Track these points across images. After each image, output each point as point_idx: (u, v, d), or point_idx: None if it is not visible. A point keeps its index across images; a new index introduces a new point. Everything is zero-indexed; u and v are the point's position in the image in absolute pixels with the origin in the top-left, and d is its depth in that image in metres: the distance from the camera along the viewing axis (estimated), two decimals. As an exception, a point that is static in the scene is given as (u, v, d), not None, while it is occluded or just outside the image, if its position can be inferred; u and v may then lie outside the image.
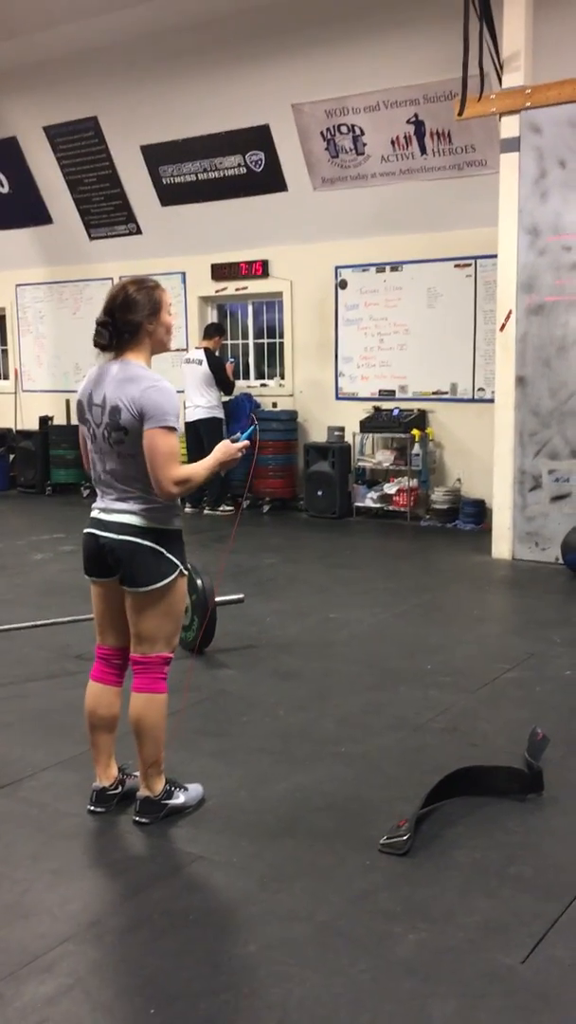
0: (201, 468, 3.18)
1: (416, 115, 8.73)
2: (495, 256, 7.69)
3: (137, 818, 3.28)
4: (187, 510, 9.68)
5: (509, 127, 7.26)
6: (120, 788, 3.40)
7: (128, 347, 3.17)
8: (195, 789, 3.42)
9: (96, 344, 3.16)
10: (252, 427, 3.57)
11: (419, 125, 8.78)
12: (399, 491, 9.51)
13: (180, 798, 3.34)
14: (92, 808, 3.35)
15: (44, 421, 11.88)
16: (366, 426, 9.69)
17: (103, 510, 3.23)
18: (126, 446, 3.10)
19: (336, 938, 2.61)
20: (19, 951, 2.56)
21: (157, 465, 3.04)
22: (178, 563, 3.20)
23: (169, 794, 3.32)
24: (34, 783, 3.61)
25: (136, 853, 3.10)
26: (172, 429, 3.07)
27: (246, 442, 3.29)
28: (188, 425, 9.86)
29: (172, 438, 3.08)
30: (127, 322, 3.13)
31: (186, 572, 3.26)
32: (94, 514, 3.27)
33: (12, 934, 2.64)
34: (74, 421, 11.78)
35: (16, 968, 2.49)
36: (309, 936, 2.62)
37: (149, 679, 3.26)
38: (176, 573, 3.19)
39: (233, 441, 3.27)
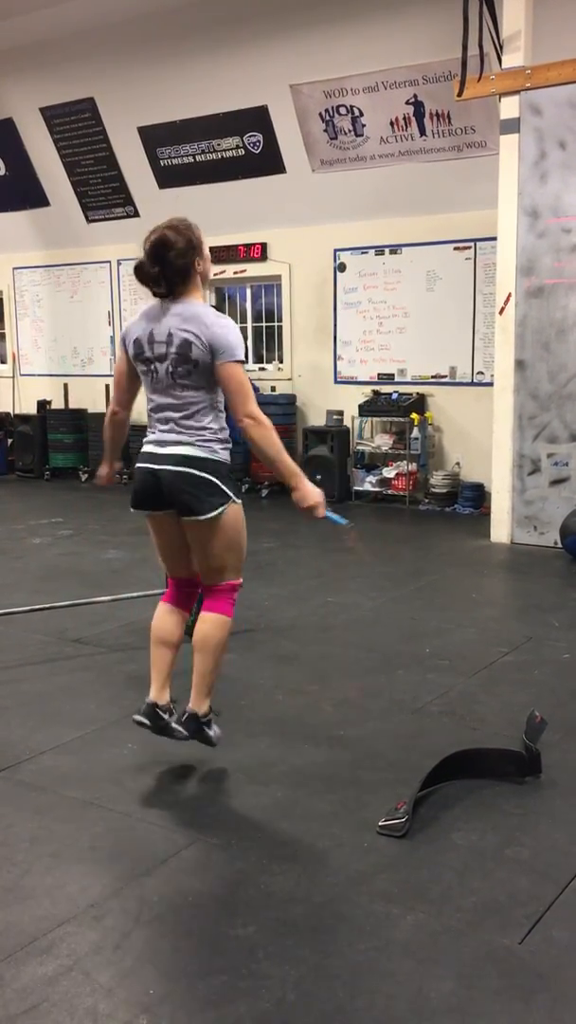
0: (283, 458, 3.26)
1: (415, 96, 8.66)
2: (495, 239, 7.65)
3: (177, 727, 3.40)
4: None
5: (509, 108, 7.21)
6: (168, 715, 3.45)
7: (182, 288, 3.26)
8: (218, 732, 3.53)
9: (155, 295, 3.27)
10: (347, 523, 3.62)
11: (418, 106, 8.71)
12: (398, 475, 9.50)
13: (213, 731, 3.48)
14: (138, 718, 3.43)
15: (42, 405, 11.84)
16: (365, 410, 9.67)
17: (157, 443, 3.31)
18: (192, 378, 3.21)
19: (334, 920, 2.62)
20: (18, 933, 2.57)
21: (236, 395, 3.17)
22: (232, 493, 3.30)
23: (209, 722, 3.45)
24: (33, 766, 3.61)
25: (135, 836, 3.11)
26: (243, 362, 3.22)
27: (323, 514, 3.35)
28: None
29: (245, 375, 3.22)
30: (177, 268, 3.23)
31: (238, 502, 3.34)
32: (147, 448, 3.34)
33: (11, 916, 2.65)
34: (73, 405, 11.81)
35: (15, 950, 2.50)
36: (307, 918, 2.63)
37: (218, 602, 3.41)
38: (230, 502, 3.29)
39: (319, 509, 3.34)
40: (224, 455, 3.33)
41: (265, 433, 3.22)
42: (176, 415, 3.27)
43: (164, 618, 3.51)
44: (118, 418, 3.57)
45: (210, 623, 3.40)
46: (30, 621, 5.39)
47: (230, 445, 3.38)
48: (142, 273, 3.27)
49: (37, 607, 5.44)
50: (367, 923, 2.60)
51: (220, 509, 3.26)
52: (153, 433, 3.34)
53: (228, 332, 3.20)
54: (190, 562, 3.45)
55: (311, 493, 3.30)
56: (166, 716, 3.45)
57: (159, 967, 2.43)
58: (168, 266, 3.22)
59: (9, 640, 5.17)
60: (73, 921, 2.62)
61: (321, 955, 2.46)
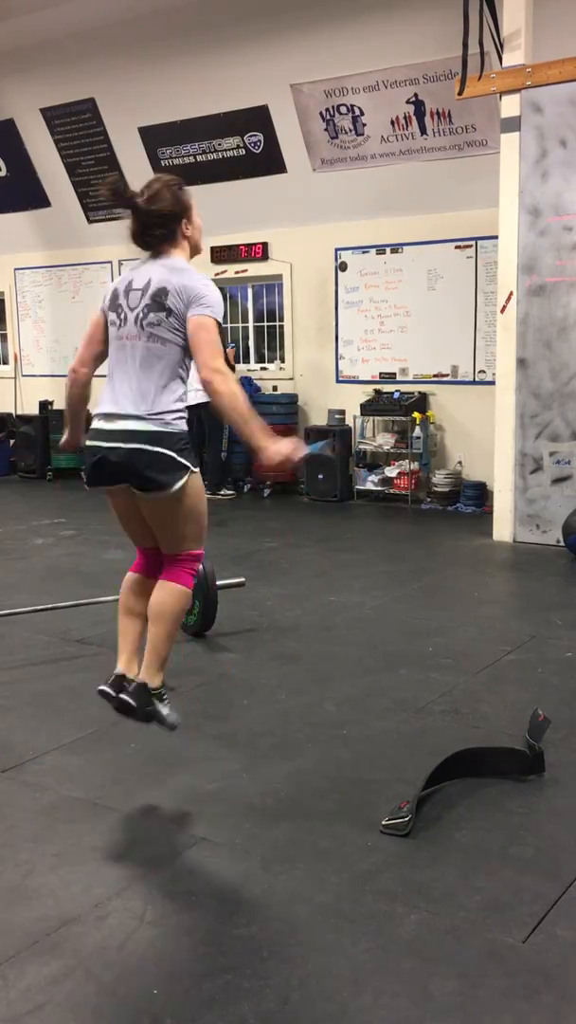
0: (251, 417, 3.09)
1: (416, 95, 8.66)
2: (496, 237, 7.65)
3: (124, 696, 3.22)
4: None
5: (510, 106, 7.20)
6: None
7: (167, 245, 3.20)
8: (175, 715, 3.35)
9: (143, 245, 3.21)
10: (326, 441, 3.52)
11: (419, 105, 8.71)
12: (400, 474, 9.50)
13: (165, 709, 3.30)
14: (103, 688, 3.28)
15: (44, 406, 11.85)
16: (367, 409, 9.67)
17: (106, 416, 3.17)
18: (161, 328, 3.10)
19: (337, 919, 2.62)
20: (22, 933, 2.57)
21: (204, 346, 3.04)
22: (188, 464, 3.16)
23: (160, 696, 3.28)
24: (36, 766, 3.62)
25: (138, 835, 3.11)
26: (219, 322, 3.10)
27: (303, 453, 3.19)
28: (189, 409, 9.83)
29: (216, 333, 3.08)
30: (163, 224, 3.17)
31: (195, 471, 3.20)
32: (97, 424, 3.20)
33: (15, 916, 2.65)
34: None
35: (19, 950, 2.50)
36: (311, 917, 2.63)
37: (177, 572, 3.27)
38: (187, 474, 3.15)
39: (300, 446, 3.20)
40: (179, 425, 3.16)
41: (233, 388, 3.06)
42: (132, 378, 3.13)
43: (132, 587, 3.39)
44: (79, 376, 3.40)
45: (167, 592, 3.24)
46: (33, 621, 5.39)
47: (185, 414, 3.22)
48: (132, 226, 3.21)
49: (40, 607, 5.44)
50: (371, 922, 2.60)
51: (178, 484, 3.12)
52: (105, 400, 3.20)
53: (208, 288, 3.11)
54: (153, 532, 3.32)
55: (282, 446, 3.09)
56: (123, 694, 3.28)
57: (163, 967, 2.43)
58: (154, 221, 3.17)
59: (12, 640, 5.17)
60: (77, 921, 2.62)
61: (325, 954, 2.46)
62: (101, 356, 3.37)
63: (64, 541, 7.87)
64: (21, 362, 12.78)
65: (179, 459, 3.13)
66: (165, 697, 3.35)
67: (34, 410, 12.00)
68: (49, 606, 5.47)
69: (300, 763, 3.61)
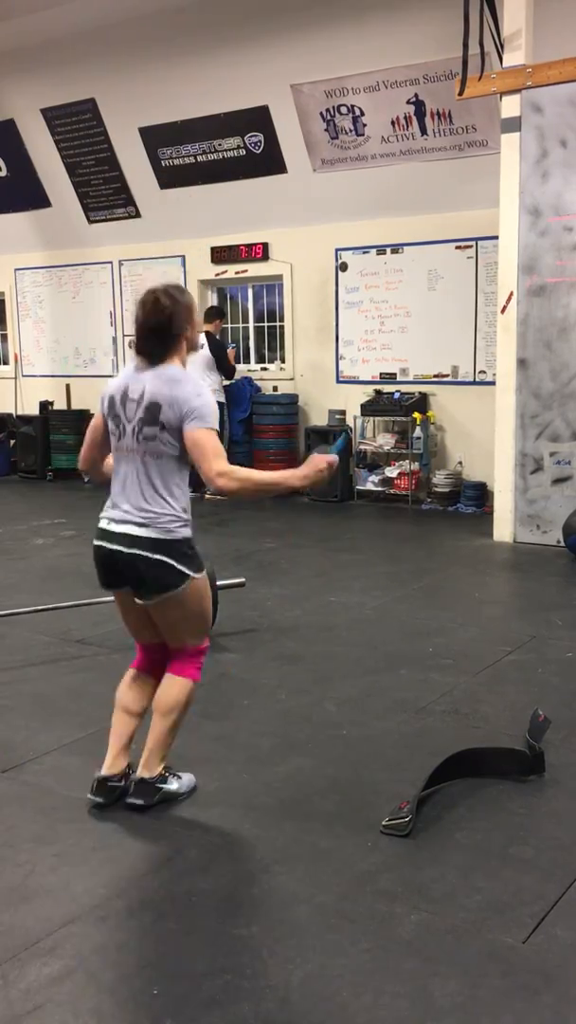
0: (270, 476, 3.19)
1: (416, 95, 8.66)
2: (496, 237, 7.64)
3: (132, 799, 3.27)
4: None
5: (510, 107, 7.20)
6: (123, 782, 3.34)
7: (165, 354, 3.18)
8: (188, 778, 3.41)
9: (141, 356, 3.18)
10: (343, 435, 3.50)
11: (419, 105, 8.71)
12: (400, 474, 9.50)
13: (174, 784, 3.34)
14: (91, 797, 3.31)
15: (44, 406, 11.85)
16: (367, 409, 9.66)
17: (111, 519, 3.21)
18: (156, 443, 3.10)
19: (338, 919, 2.62)
20: (22, 933, 2.57)
21: (202, 460, 3.04)
22: (188, 572, 3.16)
23: (164, 779, 3.32)
24: (37, 767, 3.62)
25: (138, 836, 3.11)
26: (215, 430, 3.10)
27: (334, 457, 3.20)
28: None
29: (215, 437, 3.09)
30: (166, 335, 3.15)
31: (198, 576, 3.20)
32: (102, 524, 3.23)
33: (15, 917, 2.66)
34: (75, 406, 11.81)
35: (19, 950, 2.50)
36: (311, 917, 2.63)
37: (183, 665, 3.30)
38: (186, 582, 3.15)
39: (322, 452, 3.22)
40: (182, 532, 3.17)
41: (242, 486, 3.08)
42: (134, 486, 3.16)
43: (130, 685, 3.39)
44: (90, 474, 3.49)
45: (174, 685, 3.27)
46: (33, 622, 5.39)
47: (189, 520, 3.23)
48: (136, 332, 3.20)
49: (40, 608, 5.45)
50: (371, 922, 2.60)
51: (174, 591, 3.13)
52: (109, 506, 3.24)
53: (200, 398, 3.10)
54: (156, 629, 3.32)
55: (312, 470, 3.12)
56: (121, 782, 3.33)
57: (163, 967, 2.43)
58: (157, 333, 3.14)
59: (13, 641, 5.17)
60: (77, 921, 2.63)
61: (325, 954, 2.46)
62: (104, 456, 3.39)
63: (64, 541, 7.87)
64: (21, 362, 12.79)
65: (179, 567, 3.14)
66: (170, 775, 3.35)
67: (34, 410, 12.00)
68: (49, 606, 5.47)
69: (300, 763, 3.61)
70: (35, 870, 2.90)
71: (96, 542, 3.24)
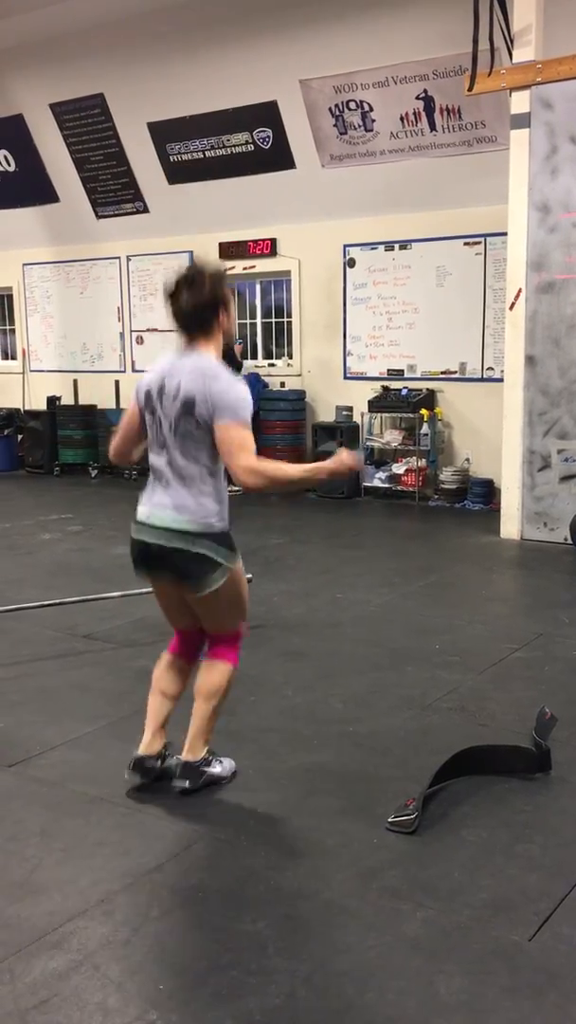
0: (298, 470, 3.20)
1: (425, 91, 8.63)
2: (505, 234, 7.63)
3: (178, 782, 3.31)
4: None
5: (519, 103, 7.18)
6: (160, 763, 3.39)
7: (200, 337, 3.17)
8: (229, 763, 3.47)
9: (182, 337, 3.17)
10: (365, 451, 3.54)
11: (428, 101, 8.68)
12: (407, 471, 9.48)
13: (217, 768, 3.40)
14: (129, 776, 3.35)
15: (52, 401, 11.86)
16: (374, 406, 9.65)
17: (149, 513, 3.21)
18: (194, 438, 3.11)
19: (343, 915, 2.63)
20: (29, 928, 2.58)
21: (230, 455, 3.05)
22: (227, 564, 3.18)
23: (208, 762, 3.37)
24: (43, 761, 3.63)
25: (145, 831, 3.11)
26: (246, 424, 3.09)
27: (362, 460, 3.23)
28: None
29: (245, 431, 3.07)
30: (199, 314, 3.13)
31: (232, 566, 3.22)
32: (140, 517, 3.24)
33: (22, 911, 2.66)
34: (82, 401, 11.82)
35: (26, 944, 2.51)
36: (316, 913, 2.64)
37: (222, 650, 3.35)
38: (228, 574, 3.18)
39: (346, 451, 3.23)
40: (220, 525, 3.18)
41: (268, 475, 3.08)
42: (172, 479, 3.17)
43: (167, 668, 3.44)
44: (120, 461, 3.47)
45: (214, 670, 3.33)
46: (40, 617, 5.40)
47: (225, 512, 3.24)
48: (171, 308, 3.18)
49: (47, 603, 5.45)
50: (376, 919, 2.61)
51: (216, 584, 3.16)
52: (148, 497, 3.25)
53: (233, 392, 3.08)
54: (192, 616, 3.36)
55: (341, 460, 3.17)
56: (158, 762, 3.38)
57: (169, 962, 2.44)
58: (189, 307, 3.13)
59: (20, 635, 5.18)
60: (83, 916, 2.63)
61: (331, 951, 2.47)
62: (138, 447, 3.38)
63: (71, 536, 7.88)
64: (29, 357, 12.80)
65: (217, 559, 3.16)
66: (213, 758, 3.40)
67: (42, 405, 12.01)
68: (56, 601, 5.48)
69: (306, 759, 3.61)
70: (42, 864, 2.91)
71: (134, 536, 3.25)
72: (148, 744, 3.39)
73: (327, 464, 3.19)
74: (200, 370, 3.11)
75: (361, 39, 8.59)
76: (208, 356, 3.16)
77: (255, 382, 10.41)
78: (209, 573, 3.15)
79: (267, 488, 3.13)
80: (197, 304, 3.13)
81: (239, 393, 3.10)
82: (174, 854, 2.96)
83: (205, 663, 3.37)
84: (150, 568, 3.27)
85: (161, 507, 3.19)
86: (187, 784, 3.30)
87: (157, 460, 3.22)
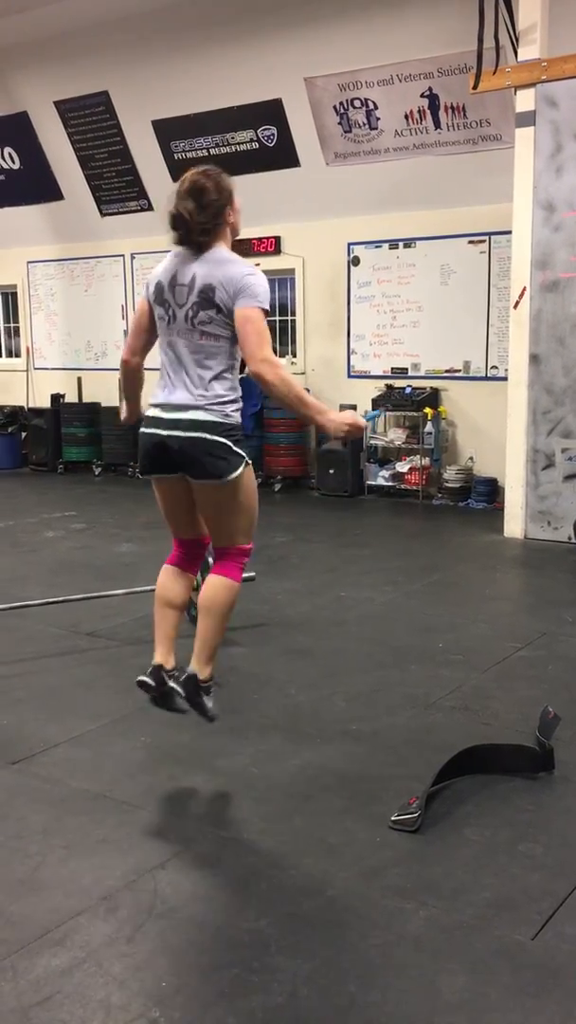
0: (311, 401, 3.19)
1: (430, 89, 8.62)
2: (509, 232, 7.62)
3: (175, 686, 3.30)
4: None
5: (525, 101, 7.17)
6: (169, 681, 3.38)
7: (211, 238, 3.19)
8: (216, 708, 3.45)
9: (183, 242, 3.18)
10: (378, 411, 3.61)
11: (433, 99, 8.67)
12: (411, 469, 9.48)
13: (209, 702, 3.39)
14: (143, 679, 3.35)
15: (56, 399, 11.87)
16: (378, 404, 9.65)
17: (164, 406, 3.21)
18: (213, 325, 3.11)
19: (346, 914, 2.62)
20: (31, 925, 2.58)
21: (250, 337, 3.05)
22: (244, 455, 3.22)
23: (208, 689, 3.36)
24: (46, 759, 3.63)
25: (148, 828, 3.11)
26: (266, 312, 3.10)
27: (365, 422, 3.30)
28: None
29: (264, 320, 3.08)
30: (208, 217, 3.16)
31: (250, 463, 3.26)
32: (153, 412, 3.24)
33: (25, 908, 2.66)
34: (86, 399, 11.83)
35: (28, 942, 2.51)
36: (319, 912, 2.63)
37: (227, 566, 3.35)
38: (244, 464, 3.21)
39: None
40: (236, 417, 3.22)
41: (283, 375, 3.09)
42: (188, 370, 3.16)
43: (170, 580, 3.45)
44: (131, 367, 3.47)
45: (219, 586, 3.33)
46: (44, 614, 5.40)
47: (241, 405, 3.27)
48: (175, 221, 3.19)
49: (51, 600, 5.46)
50: (379, 918, 2.60)
51: (234, 473, 3.17)
52: (161, 392, 3.24)
53: (255, 278, 3.11)
54: (197, 524, 3.38)
55: (344, 416, 3.21)
56: (170, 680, 3.38)
57: (172, 960, 2.44)
58: (200, 214, 3.15)
59: (23, 633, 5.19)
60: (86, 913, 2.63)
61: (333, 949, 2.47)
62: (149, 344, 3.40)
63: (75, 534, 7.88)
64: (33, 355, 12.81)
65: (236, 448, 3.18)
66: (212, 690, 3.41)
67: (46, 403, 12.02)
68: (60, 599, 5.48)
69: (310, 758, 3.61)
70: (44, 862, 2.91)
71: (147, 430, 3.24)
72: (164, 656, 3.39)
73: (332, 414, 3.20)
74: (216, 258, 3.13)
75: (366, 37, 8.58)
76: (224, 249, 3.18)
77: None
78: (229, 460, 3.15)
79: (275, 388, 3.10)
80: (209, 215, 3.15)
81: (259, 279, 3.12)
82: (177, 852, 2.96)
83: (210, 578, 3.36)
84: (163, 465, 3.25)
85: (177, 399, 3.18)
86: (183, 692, 3.30)
87: (170, 352, 3.21)
